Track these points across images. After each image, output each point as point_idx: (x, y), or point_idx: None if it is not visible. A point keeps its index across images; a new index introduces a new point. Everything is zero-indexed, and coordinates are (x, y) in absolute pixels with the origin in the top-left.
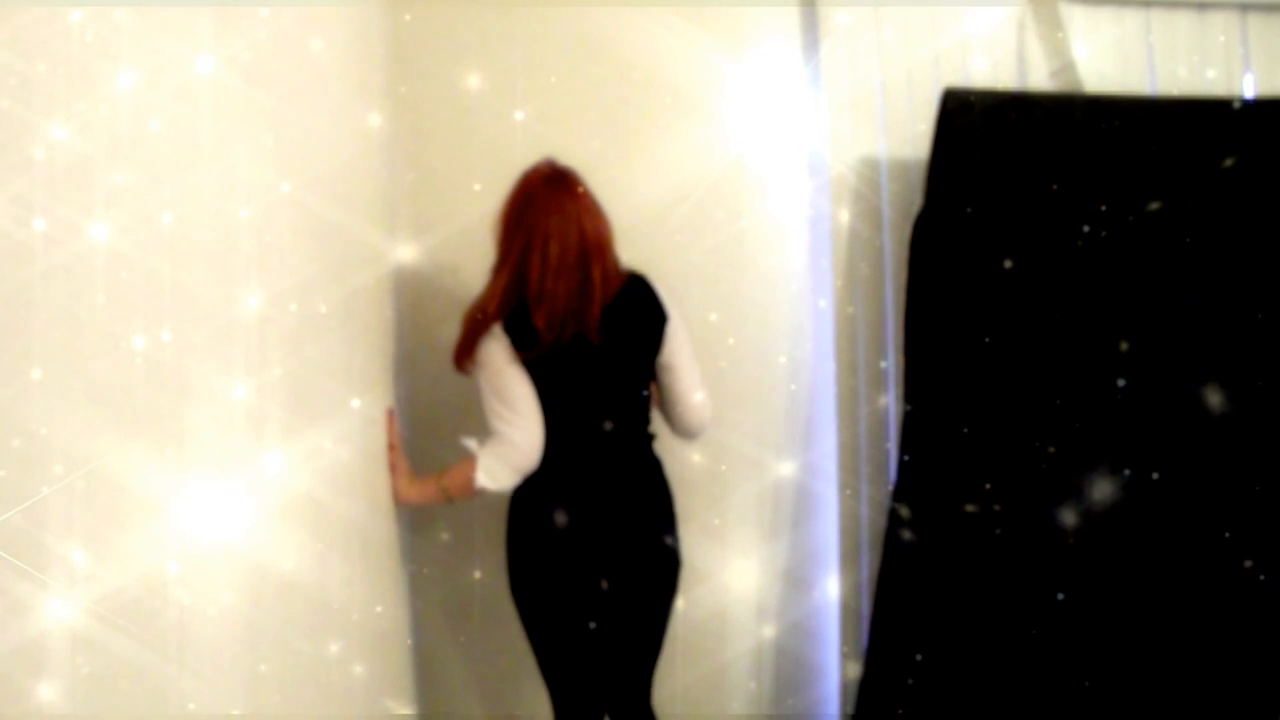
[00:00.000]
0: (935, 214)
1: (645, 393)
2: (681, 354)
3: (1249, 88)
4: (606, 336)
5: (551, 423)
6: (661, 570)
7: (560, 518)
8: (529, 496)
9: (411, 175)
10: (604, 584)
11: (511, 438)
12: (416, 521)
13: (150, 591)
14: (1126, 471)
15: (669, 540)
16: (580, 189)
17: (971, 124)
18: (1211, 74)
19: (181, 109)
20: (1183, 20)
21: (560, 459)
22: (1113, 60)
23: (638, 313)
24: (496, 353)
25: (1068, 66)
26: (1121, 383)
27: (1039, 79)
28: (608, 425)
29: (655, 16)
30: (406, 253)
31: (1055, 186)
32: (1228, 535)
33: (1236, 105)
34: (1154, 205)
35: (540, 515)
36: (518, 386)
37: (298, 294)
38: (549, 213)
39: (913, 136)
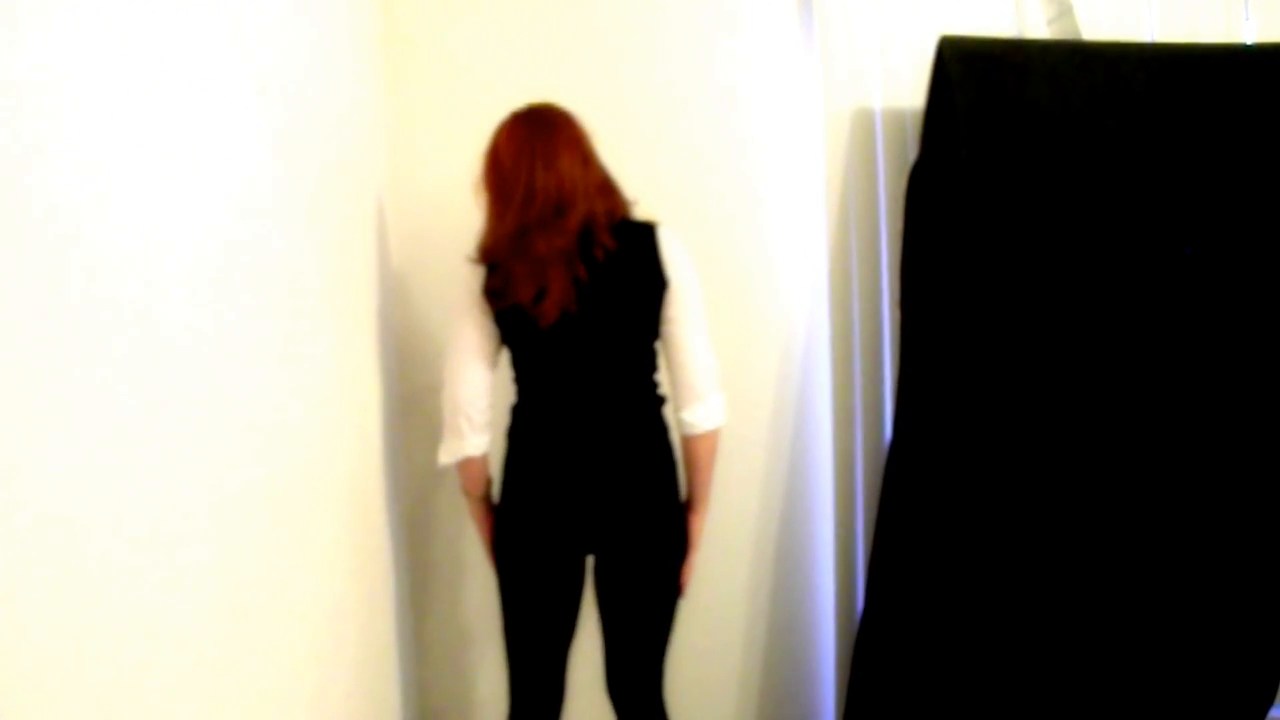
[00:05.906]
0: (931, 164)
1: (647, 353)
2: (685, 310)
3: (1249, 35)
4: (595, 292)
5: (536, 380)
6: (658, 544)
7: (542, 486)
8: (512, 463)
9: (406, 156)
10: (590, 559)
11: (443, 412)
12: (414, 523)
13: (133, 592)
14: (1131, 464)
15: (667, 510)
16: (563, 131)
17: (967, 71)
18: (1210, 21)
19: (168, 105)
20: None
21: (545, 420)
22: (1109, 8)
23: (634, 267)
24: (462, 295)
25: (1065, 14)
26: (1127, 367)
27: (1037, 31)
28: (597, 386)
29: None
30: (399, 240)
31: (1053, 137)
32: (1226, 530)
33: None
34: (1157, 154)
35: (520, 483)
36: (461, 352)
37: (288, 289)
38: (522, 159)
39: (913, 108)
